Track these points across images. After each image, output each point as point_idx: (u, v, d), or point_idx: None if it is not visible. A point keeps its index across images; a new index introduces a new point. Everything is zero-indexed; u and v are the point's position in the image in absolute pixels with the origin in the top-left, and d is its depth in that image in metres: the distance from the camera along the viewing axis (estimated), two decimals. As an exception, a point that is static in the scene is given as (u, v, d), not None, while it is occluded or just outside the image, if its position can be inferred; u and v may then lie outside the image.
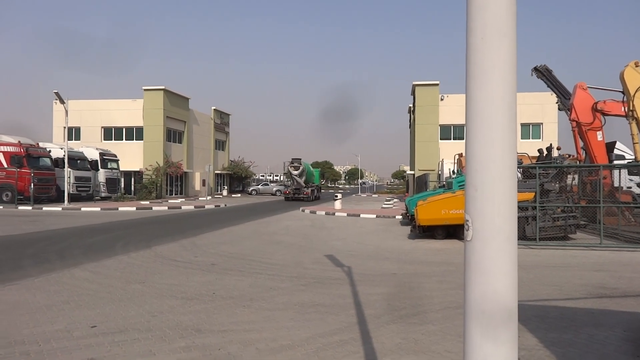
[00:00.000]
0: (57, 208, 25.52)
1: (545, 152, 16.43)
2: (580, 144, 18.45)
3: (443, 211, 13.12)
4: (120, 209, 26.03)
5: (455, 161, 21.50)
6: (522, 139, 36.59)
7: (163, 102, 39.88)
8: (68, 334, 5.03)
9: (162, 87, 39.99)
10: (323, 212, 24.44)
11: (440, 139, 38.67)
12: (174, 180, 41.71)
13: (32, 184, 26.53)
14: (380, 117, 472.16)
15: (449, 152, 31.10)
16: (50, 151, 30.72)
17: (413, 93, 40.38)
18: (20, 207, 25.61)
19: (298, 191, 39.26)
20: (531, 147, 21.49)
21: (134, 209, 26.48)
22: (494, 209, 1.48)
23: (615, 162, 18.38)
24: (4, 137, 28.54)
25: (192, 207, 28.58)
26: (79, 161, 31.54)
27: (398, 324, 5.45)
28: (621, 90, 16.84)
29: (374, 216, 22.48)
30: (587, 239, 13.22)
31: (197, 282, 7.77)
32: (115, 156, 36.00)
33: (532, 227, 12.46)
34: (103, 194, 33.53)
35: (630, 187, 17.30)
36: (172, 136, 42.20)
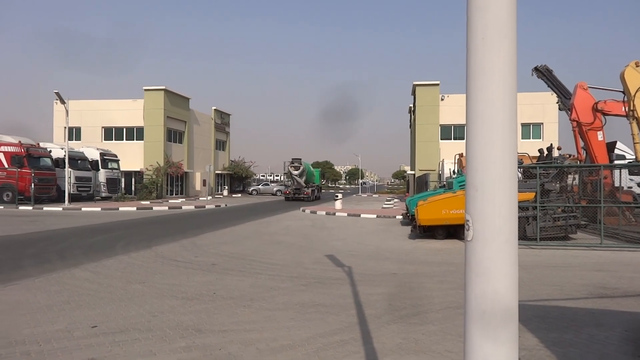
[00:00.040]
0: (58, 208, 25.54)
1: (545, 152, 16.40)
2: (581, 143, 18.46)
3: (443, 211, 13.13)
4: (120, 209, 26.05)
5: (456, 161, 21.51)
6: (522, 138, 36.61)
7: (163, 102, 39.89)
8: (69, 334, 5.03)
9: (163, 87, 40.01)
10: (323, 212, 24.45)
11: (441, 139, 38.71)
12: (174, 180, 41.73)
13: (32, 184, 26.56)
14: (381, 117, 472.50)
15: (449, 152, 31.12)
16: (50, 151, 30.75)
17: (413, 93, 40.40)
18: (21, 207, 25.64)
19: (298, 191, 39.24)
20: (532, 147, 21.46)
21: (135, 209, 26.49)
22: (494, 209, 1.48)
23: (616, 162, 18.39)
24: (4, 137, 28.56)
25: (192, 207, 28.59)
26: (79, 161, 31.55)
27: (398, 324, 5.45)
28: (621, 90, 16.87)
29: (375, 216, 22.48)
30: (587, 239, 13.22)
31: (198, 282, 7.78)
32: (116, 156, 36.02)
33: (533, 227, 12.46)
34: (103, 194, 33.56)
35: (630, 187, 17.28)
36: (173, 136, 42.20)
